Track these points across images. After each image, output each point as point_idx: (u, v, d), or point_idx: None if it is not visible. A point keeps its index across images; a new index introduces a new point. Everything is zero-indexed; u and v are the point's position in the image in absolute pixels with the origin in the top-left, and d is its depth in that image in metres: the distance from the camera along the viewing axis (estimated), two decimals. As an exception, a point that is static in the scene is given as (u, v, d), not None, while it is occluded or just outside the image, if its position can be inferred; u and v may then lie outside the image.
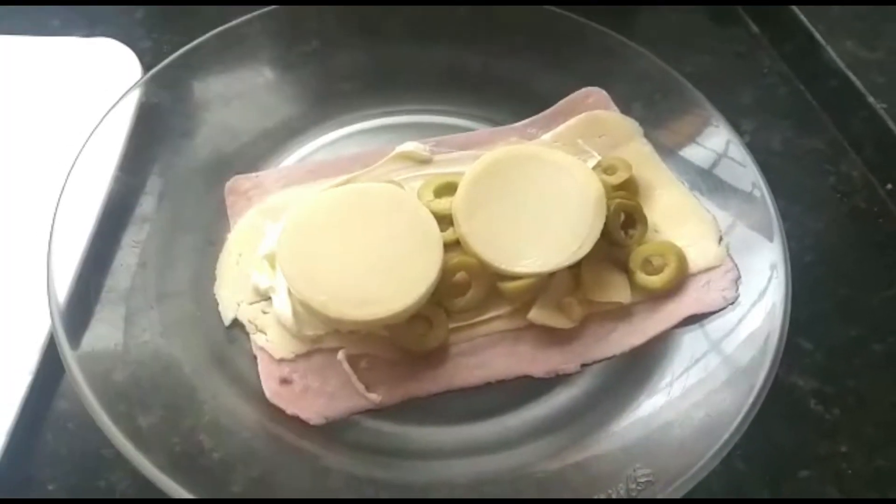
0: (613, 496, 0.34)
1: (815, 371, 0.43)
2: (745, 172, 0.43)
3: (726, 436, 0.34)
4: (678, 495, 0.33)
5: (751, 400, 0.36)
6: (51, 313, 0.37)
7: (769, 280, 0.40)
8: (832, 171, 0.53)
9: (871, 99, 0.52)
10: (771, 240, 0.41)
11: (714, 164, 0.45)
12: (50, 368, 0.40)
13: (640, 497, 0.34)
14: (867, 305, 0.46)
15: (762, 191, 0.42)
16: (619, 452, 0.36)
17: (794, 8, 0.57)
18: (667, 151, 0.47)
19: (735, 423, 0.35)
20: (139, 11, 0.60)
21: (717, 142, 0.45)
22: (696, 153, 0.46)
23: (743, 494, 0.39)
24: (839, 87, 0.55)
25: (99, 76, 0.52)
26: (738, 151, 0.44)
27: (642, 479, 0.34)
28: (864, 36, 0.55)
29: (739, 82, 0.57)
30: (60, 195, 0.41)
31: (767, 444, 0.40)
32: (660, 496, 0.33)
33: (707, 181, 0.45)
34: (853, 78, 0.54)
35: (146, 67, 0.52)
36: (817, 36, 0.56)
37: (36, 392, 0.40)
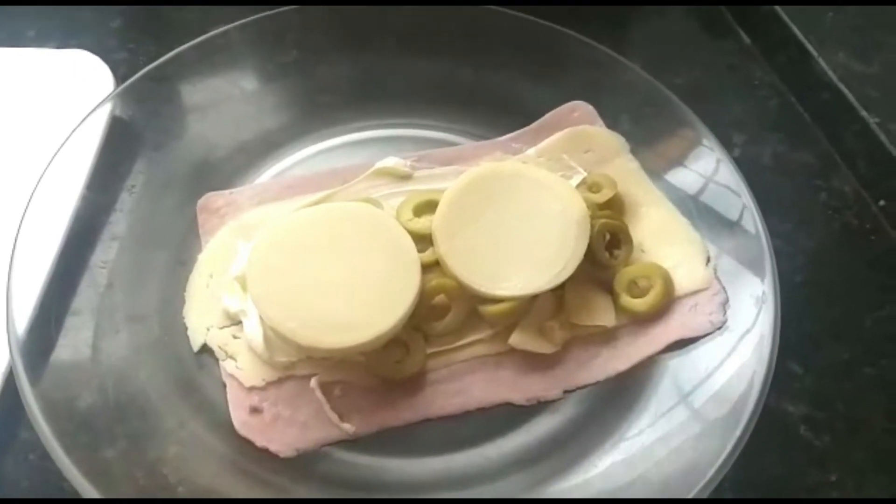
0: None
1: (806, 396, 0.42)
2: (735, 194, 0.42)
3: (711, 472, 0.33)
4: (662, 534, 0.32)
5: (737, 434, 0.34)
6: (10, 345, 0.36)
7: (759, 305, 0.38)
8: (823, 187, 0.52)
9: (863, 113, 0.51)
10: (761, 263, 0.39)
11: (703, 184, 0.44)
12: (12, 397, 0.38)
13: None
14: (859, 326, 0.45)
15: (753, 214, 0.41)
16: (603, 488, 0.35)
17: (786, 18, 0.56)
18: (654, 168, 0.45)
19: (721, 459, 0.33)
20: (116, 21, 0.58)
21: (706, 161, 0.44)
22: (684, 171, 0.45)
23: (731, 526, 0.38)
24: (831, 100, 0.53)
25: (70, 89, 0.50)
26: (729, 171, 0.43)
27: (625, 516, 0.32)
28: (857, 48, 0.54)
29: (730, 94, 0.56)
30: (23, 215, 0.39)
31: (757, 474, 0.39)
32: (643, 534, 0.32)
33: (695, 200, 0.44)
34: (845, 91, 0.52)
35: (121, 79, 0.50)
36: (809, 47, 0.55)
37: (-3, 421, 0.38)
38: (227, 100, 0.50)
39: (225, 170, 0.47)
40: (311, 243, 0.38)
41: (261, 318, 0.38)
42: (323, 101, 0.51)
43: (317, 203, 0.43)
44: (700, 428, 0.35)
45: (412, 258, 0.38)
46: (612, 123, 0.47)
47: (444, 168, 0.46)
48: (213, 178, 0.46)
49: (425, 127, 0.50)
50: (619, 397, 0.39)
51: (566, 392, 0.39)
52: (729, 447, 0.34)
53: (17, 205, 0.40)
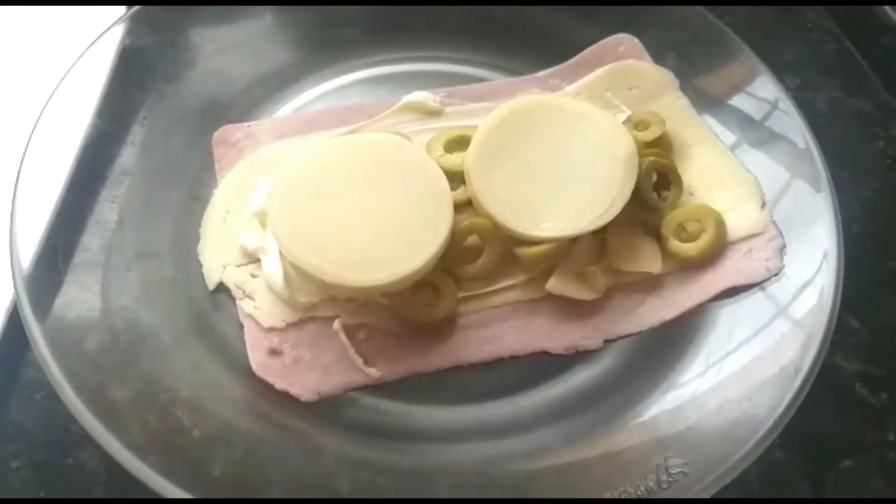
0: (642, 488, 0.30)
1: (862, 352, 0.39)
2: (794, 133, 0.39)
3: (770, 424, 0.31)
4: (715, 488, 0.30)
5: (797, 385, 0.32)
6: (13, 276, 0.33)
7: (819, 253, 0.36)
8: (881, 135, 0.48)
9: (927, 58, 0.48)
10: (822, 208, 0.37)
11: (759, 124, 0.40)
12: (15, 334, 0.36)
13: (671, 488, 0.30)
14: (919, 280, 0.42)
15: (814, 157, 0.38)
16: (648, 440, 0.32)
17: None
18: (705, 107, 0.42)
19: (779, 411, 0.31)
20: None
21: (762, 99, 0.41)
22: (737, 111, 0.41)
23: (782, 485, 0.36)
24: (893, 45, 0.50)
25: (79, 13, 0.47)
26: (788, 111, 0.39)
27: (675, 470, 0.30)
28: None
29: (782, 37, 0.52)
30: (29, 141, 0.37)
31: (809, 432, 0.36)
32: (695, 489, 0.29)
33: (749, 140, 0.40)
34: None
35: (131, 6, 0.48)
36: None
37: (1, 360, 0.36)
38: (244, 31, 0.47)
39: (241, 104, 0.44)
40: (337, 176, 0.35)
41: (281, 255, 0.35)
42: (344, 35, 0.47)
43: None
44: (755, 379, 0.33)
45: (445, 195, 0.36)
46: (657, 60, 0.44)
47: (475, 104, 0.43)
48: (229, 113, 0.44)
49: (453, 61, 0.47)
50: (664, 347, 0.36)
51: (607, 341, 0.36)
52: (787, 400, 0.31)
53: (24, 131, 0.37)
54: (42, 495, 0.34)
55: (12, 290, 0.37)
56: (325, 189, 0.35)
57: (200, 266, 0.37)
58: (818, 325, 0.34)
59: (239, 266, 0.37)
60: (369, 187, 0.35)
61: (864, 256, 0.42)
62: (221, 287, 0.37)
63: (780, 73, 0.49)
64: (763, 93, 0.41)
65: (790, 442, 0.36)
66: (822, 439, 0.37)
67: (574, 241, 0.36)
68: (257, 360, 0.34)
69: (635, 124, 0.40)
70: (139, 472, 0.29)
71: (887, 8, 0.50)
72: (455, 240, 0.36)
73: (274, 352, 0.34)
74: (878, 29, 0.51)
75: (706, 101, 0.42)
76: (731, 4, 0.52)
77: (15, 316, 0.37)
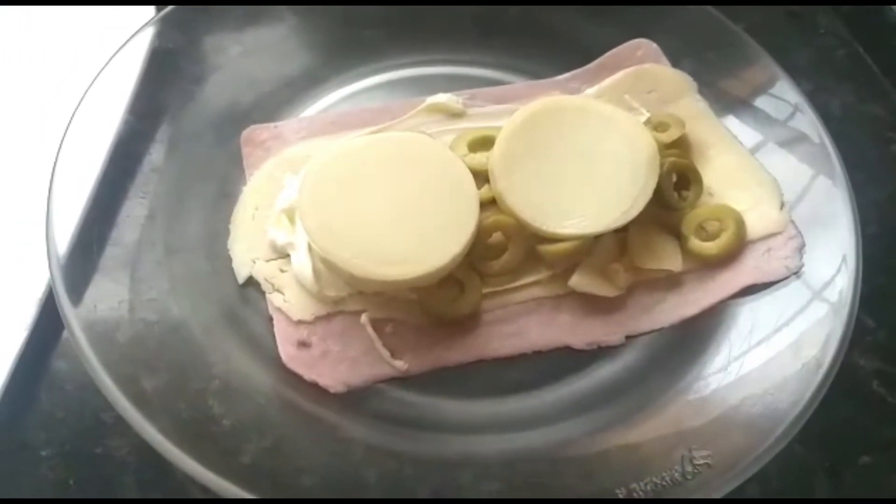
0: (667, 479, 0.30)
1: (879, 350, 0.40)
2: (811, 134, 0.40)
3: (792, 417, 0.31)
4: (738, 480, 0.30)
5: (818, 380, 0.32)
6: (50, 266, 0.34)
7: (838, 253, 0.36)
8: (894, 139, 0.49)
9: (940, 63, 0.48)
10: (841, 209, 0.37)
11: (777, 127, 0.41)
12: (47, 325, 0.37)
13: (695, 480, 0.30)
14: (934, 281, 0.43)
15: (832, 158, 0.38)
16: (672, 433, 0.33)
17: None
18: (723, 109, 0.43)
19: (801, 405, 0.31)
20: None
21: (780, 102, 0.41)
22: (755, 113, 0.42)
23: (800, 480, 0.36)
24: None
25: (111, 16, 0.48)
26: (806, 113, 0.40)
27: (700, 462, 0.31)
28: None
29: (794, 42, 0.53)
30: (64, 137, 0.38)
31: (827, 428, 0.37)
32: (719, 480, 0.30)
33: (768, 142, 0.41)
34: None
35: (161, 9, 0.49)
36: (881, -7, 0.52)
37: (31, 350, 0.37)
38: (270, 33, 0.47)
39: (267, 105, 0.45)
40: (366, 173, 0.36)
41: (310, 250, 0.36)
42: (368, 37, 0.48)
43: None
44: (776, 374, 0.33)
45: (470, 192, 0.36)
46: (674, 63, 0.45)
47: (497, 106, 0.44)
48: (256, 113, 0.44)
49: (475, 65, 0.48)
50: (685, 344, 0.37)
51: (628, 337, 0.37)
52: (809, 394, 0.32)
53: (59, 129, 0.38)
54: (71, 483, 0.35)
55: (43, 285, 0.38)
56: (354, 185, 0.35)
57: (230, 261, 0.38)
58: (838, 322, 0.34)
59: (268, 261, 0.38)
60: (397, 184, 0.36)
61: (879, 257, 0.42)
62: (251, 281, 0.37)
63: (794, 78, 0.50)
64: (780, 95, 0.42)
65: (809, 438, 0.36)
66: (841, 436, 0.37)
67: (596, 239, 0.37)
68: (287, 352, 0.35)
69: (655, 126, 0.41)
70: (172, 457, 0.29)
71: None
72: (480, 237, 0.36)
73: (303, 344, 0.35)
74: (889, 34, 0.51)
75: (724, 104, 0.43)
76: (745, 4, 0.53)
77: (45, 309, 0.37)
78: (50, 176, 0.36)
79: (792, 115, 0.41)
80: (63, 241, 0.35)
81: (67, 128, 0.38)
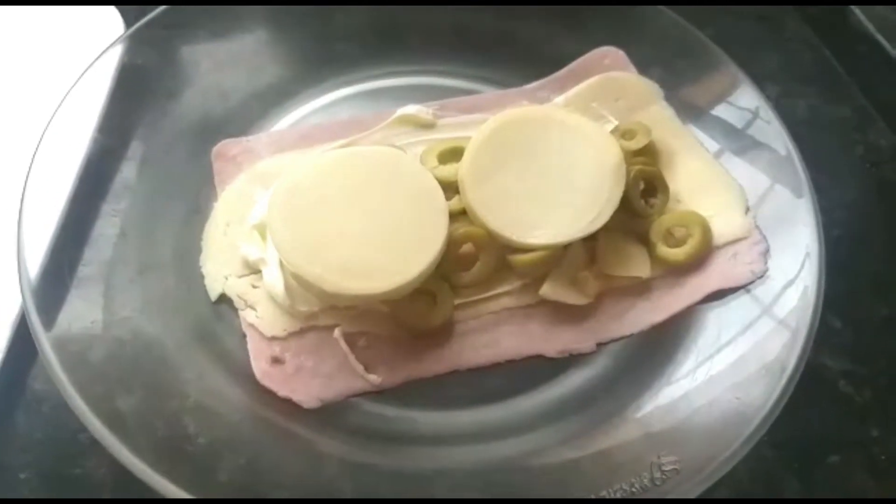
0: (637, 485, 0.31)
1: (845, 351, 0.41)
2: (775, 140, 0.40)
3: (758, 420, 0.32)
4: (707, 484, 0.31)
5: (783, 383, 0.33)
6: (21, 288, 0.34)
7: (802, 255, 0.37)
8: (860, 141, 0.50)
9: (903, 65, 0.49)
10: (804, 212, 0.38)
11: (741, 132, 0.42)
12: (22, 347, 0.37)
13: (664, 486, 0.31)
14: (899, 282, 0.43)
15: (795, 162, 0.39)
16: (641, 439, 0.33)
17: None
18: (689, 116, 0.43)
19: (767, 408, 0.32)
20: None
21: (744, 108, 0.42)
22: (720, 119, 0.43)
23: (770, 481, 0.37)
24: (868, 53, 0.51)
25: (79, 33, 0.48)
26: (769, 118, 0.41)
27: (668, 468, 0.31)
28: (896, -2, 0.52)
29: (761, 46, 0.54)
30: (34, 157, 0.38)
31: (795, 429, 0.38)
32: (688, 485, 0.30)
33: (732, 148, 0.42)
34: (884, 43, 0.50)
35: (130, 24, 0.49)
36: (845, -2, 0.53)
37: (8, 372, 0.37)
38: (241, 47, 0.48)
39: (239, 119, 0.45)
40: (335, 188, 0.36)
41: (282, 266, 0.36)
42: (339, 50, 0.49)
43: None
44: (742, 377, 0.34)
45: (440, 204, 0.37)
46: (641, 71, 0.45)
47: (467, 116, 0.44)
48: (228, 127, 0.44)
49: (445, 75, 0.48)
50: (654, 349, 0.37)
51: (599, 345, 0.37)
52: (774, 397, 0.32)
53: (28, 148, 0.38)
54: (50, 505, 0.35)
55: (18, 305, 0.38)
56: (324, 200, 0.36)
57: (202, 277, 0.38)
58: (802, 324, 0.35)
59: (240, 277, 0.38)
60: (367, 198, 0.36)
61: (845, 259, 0.43)
62: (223, 298, 0.38)
63: (761, 82, 0.50)
64: (745, 102, 0.42)
65: (778, 439, 0.37)
66: (810, 436, 0.38)
67: (566, 247, 0.37)
68: (260, 368, 0.35)
69: (622, 134, 0.41)
70: (147, 478, 0.30)
71: (862, 17, 0.52)
72: (451, 248, 0.37)
73: (276, 360, 0.35)
74: (854, 37, 0.52)
75: (690, 111, 0.44)
76: (713, 4, 0.53)
77: (20, 330, 0.37)
78: (20, 196, 0.36)
79: (756, 121, 0.42)
80: (34, 261, 0.35)
81: (38, 146, 0.38)
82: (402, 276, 0.35)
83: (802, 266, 0.36)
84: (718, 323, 0.37)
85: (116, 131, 0.41)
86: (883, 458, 0.38)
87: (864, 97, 0.52)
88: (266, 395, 0.34)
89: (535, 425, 0.35)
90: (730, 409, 0.33)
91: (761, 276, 0.37)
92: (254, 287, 0.37)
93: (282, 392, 0.34)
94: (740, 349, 0.35)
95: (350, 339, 0.36)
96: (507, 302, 0.38)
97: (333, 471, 0.33)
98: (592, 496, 0.31)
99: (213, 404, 0.34)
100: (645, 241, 0.39)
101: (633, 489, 0.31)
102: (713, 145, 0.42)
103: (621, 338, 0.37)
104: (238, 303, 0.37)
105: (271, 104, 0.46)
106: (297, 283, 0.36)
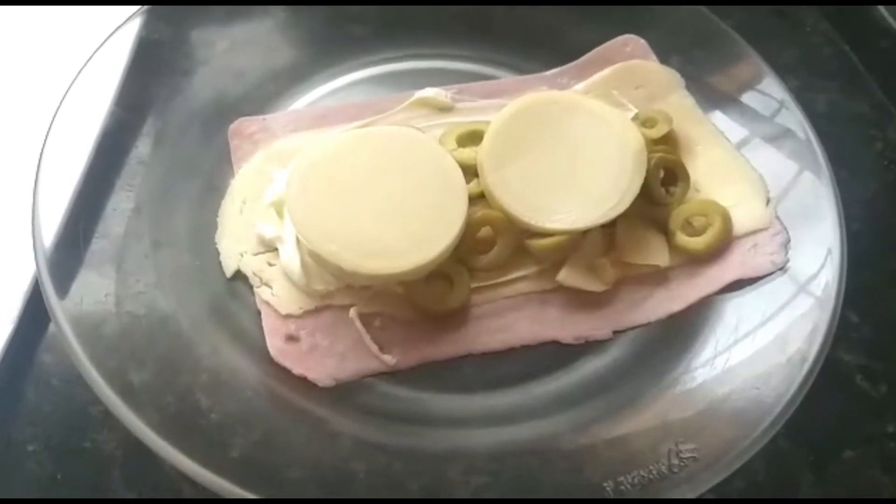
0: (654, 472, 0.30)
1: (863, 346, 0.40)
2: (797, 130, 0.40)
3: (778, 410, 0.31)
4: (725, 473, 0.30)
5: (803, 373, 0.33)
6: (36, 259, 0.34)
7: (823, 248, 0.37)
8: (879, 137, 0.49)
9: (924, 61, 0.49)
10: (826, 205, 0.38)
11: (763, 122, 0.41)
12: (33, 318, 0.37)
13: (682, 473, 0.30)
14: (917, 278, 0.43)
15: (817, 154, 0.39)
16: (658, 427, 0.33)
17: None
18: (710, 106, 0.43)
19: (788, 397, 0.32)
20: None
21: (766, 98, 0.42)
22: (742, 109, 0.43)
23: (785, 474, 0.36)
24: (890, 48, 0.51)
25: (97, 8, 0.48)
26: (791, 109, 0.41)
27: (686, 455, 0.31)
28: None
29: (780, 40, 0.54)
30: (49, 129, 0.37)
31: (811, 423, 0.37)
32: (704, 473, 0.30)
33: (754, 138, 0.41)
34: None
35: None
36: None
37: (17, 344, 0.36)
38: (258, 27, 0.47)
39: (255, 99, 0.45)
40: (354, 167, 0.36)
41: (298, 244, 0.36)
42: (356, 32, 0.48)
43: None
44: (762, 368, 0.34)
45: (459, 187, 0.36)
46: (662, 60, 0.45)
47: (485, 101, 0.44)
48: (243, 107, 0.44)
49: (463, 59, 0.48)
50: (672, 339, 0.37)
51: (616, 332, 0.37)
52: (794, 387, 0.32)
53: (45, 120, 0.38)
54: (59, 478, 0.34)
55: (29, 277, 0.37)
56: (343, 179, 0.35)
57: (218, 254, 0.38)
58: (823, 317, 0.35)
59: (256, 255, 0.37)
60: (386, 178, 0.36)
61: (863, 254, 0.42)
62: (238, 275, 0.37)
63: (780, 75, 0.50)
64: (767, 92, 0.42)
65: (794, 432, 0.36)
66: (825, 430, 0.38)
67: (584, 234, 0.37)
68: (275, 345, 0.35)
69: (643, 122, 0.41)
70: (160, 450, 0.29)
71: (884, 12, 0.51)
72: (469, 231, 0.36)
73: (291, 338, 0.35)
74: (875, 32, 0.52)
75: (711, 100, 0.43)
76: (733, 4, 0.53)
77: (31, 303, 0.37)
78: (36, 168, 0.36)
79: (778, 112, 0.41)
80: (49, 234, 0.35)
81: (53, 120, 0.38)
82: (420, 257, 0.34)
83: (825, 259, 0.36)
84: (738, 313, 0.36)
85: (133, 106, 0.41)
86: (898, 453, 0.38)
87: (884, 94, 0.51)
88: (280, 372, 0.34)
89: (549, 411, 0.35)
90: (749, 398, 0.33)
91: (782, 268, 0.37)
92: (270, 265, 0.37)
93: (296, 370, 0.34)
94: (759, 341, 0.35)
95: (365, 319, 0.36)
96: (523, 287, 0.38)
97: (347, 450, 0.33)
98: (609, 481, 0.30)
99: (226, 380, 0.34)
100: (664, 229, 0.38)
101: (651, 476, 0.30)
102: (734, 135, 0.42)
103: (638, 326, 0.37)
104: (253, 280, 0.37)
105: (286, 85, 0.46)
106: (314, 262, 0.36)
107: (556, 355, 0.37)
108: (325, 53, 0.47)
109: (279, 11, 0.48)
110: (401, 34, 0.48)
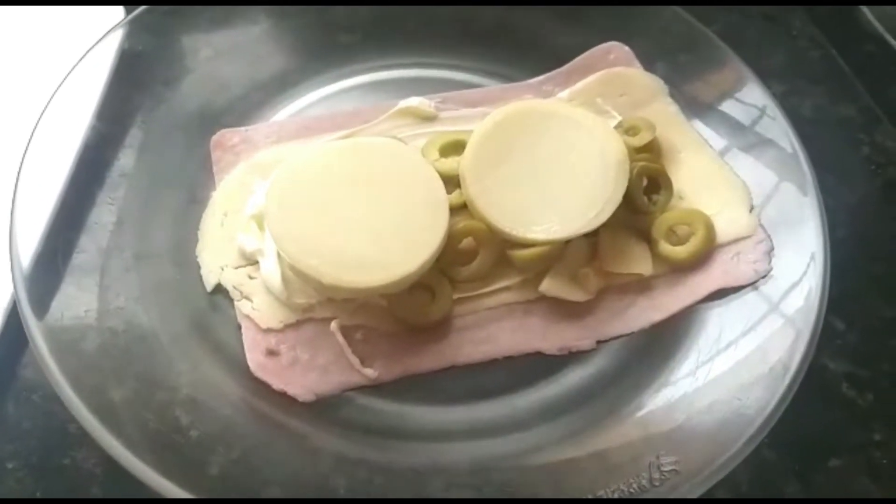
0: (635, 486, 0.30)
1: (848, 353, 0.40)
2: (781, 138, 0.40)
3: (759, 422, 0.31)
4: (706, 486, 0.30)
5: (785, 383, 0.33)
6: (13, 275, 0.34)
7: (806, 255, 0.36)
8: (866, 141, 0.49)
9: (911, 65, 0.49)
10: (809, 212, 0.37)
11: (747, 130, 0.41)
12: (14, 334, 0.37)
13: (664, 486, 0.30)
14: (903, 284, 0.43)
15: (801, 161, 0.39)
16: (640, 439, 0.33)
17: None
18: (694, 113, 0.43)
19: (769, 409, 0.31)
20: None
21: (750, 105, 0.42)
22: (726, 116, 0.42)
23: (770, 484, 0.36)
24: (876, 53, 0.51)
25: (80, 18, 0.47)
26: (775, 116, 0.40)
27: (667, 468, 0.31)
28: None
29: (768, 44, 0.53)
30: (30, 142, 0.37)
31: (796, 431, 0.37)
32: (686, 486, 0.30)
33: (738, 145, 0.41)
34: (893, 42, 0.50)
35: (130, 11, 0.48)
36: (854, -3, 0.52)
37: (-2, 360, 0.36)
38: (242, 36, 0.47)
39: (238, 108, 0.45)
40: (334, 179, 0.36)
41: (279, 257, 0.36)
42: (341, 41, 0.48)
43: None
44: (744, 378, 0.33)
45: (440, 198, 0.36)
46: (646, 67, 0.45)
47: (469, 110, 0.44)
48: (227, 117, 0.44)
49: (448, 68, 0.47)
50: (655, 348, 0.37)
51: (599, 342, 0.37)
52: (776, 399, 0.32)
53: (24, 133, 0.37)
54: (38, 496, 0.34)
55: (10, 292, 0.37)
56: (323, 191, 0.35)
57: (199, 268, 0.38)
58: (805, 326, 0.34)
59: (237, 268, 0.37)
60: (367, 190, 0.36)
61: (849, 260, 0.42)
62: (219, 288, 0.37)
63: (766, 80, 0.49)
64: (750, 99, 0.42)
65: (779, 442, 0.36)
66: (810, 439, 0.38)
67: (567, 243, 0.37)
68: (255, 360, 0.34)
69: (626, 130, 0.41)
70: (137, 471, 0.29)
71: (870, 16, 0.51)
72: (451, 242, 0.36)
73: (271, 352, 0.35)
74: (861, 36, 0.52)
75: (695, 108, 0.43)
76: (719, 4, 0.53)
77: (12, 317, 0.37)
78: (14, 181, 0.36)
79: (762, 119, 0.41)
80: (27, 249, 0.35)
81: (33, 132, 0.38)
82: (402, 269, 0.34)
83: (807, 267, 0.36)
84: (720, 322, 0.36)
85: (114, 118, 0.41)
86: (884, 462, 0.37)
87: (871, 97, 0.51)
88: (260, 387, 0.34)
89: (532, 423, 0.35)
90: (731, 410, 0.32)
91: (765, 276, 0.37)
92: (250, 278, 0.37)
93: (276, 385, 0.34)
94: (742, 350, 0.35)
95: (347, 332, 0.35)
96: (506, 297, 0.37)
97: (328, 466, 0.32)
98: (590, 496, 0.30)
99: (206, 397, 0.33)
100: (647, 238, 0.38)
101: (632, 489, 0.30)
102: (718, 142, 0.42)
103: (621, 336, 0.37)
104: (234, 293, 0.37)
105: (271, 94, 0.46)
106: (295, 275, 0.35)
107: (540, 366, 0.37)
108: (310, 62, 0.47)
109: (264, 19, 0.48)
110: (386, 42, 0.48)
